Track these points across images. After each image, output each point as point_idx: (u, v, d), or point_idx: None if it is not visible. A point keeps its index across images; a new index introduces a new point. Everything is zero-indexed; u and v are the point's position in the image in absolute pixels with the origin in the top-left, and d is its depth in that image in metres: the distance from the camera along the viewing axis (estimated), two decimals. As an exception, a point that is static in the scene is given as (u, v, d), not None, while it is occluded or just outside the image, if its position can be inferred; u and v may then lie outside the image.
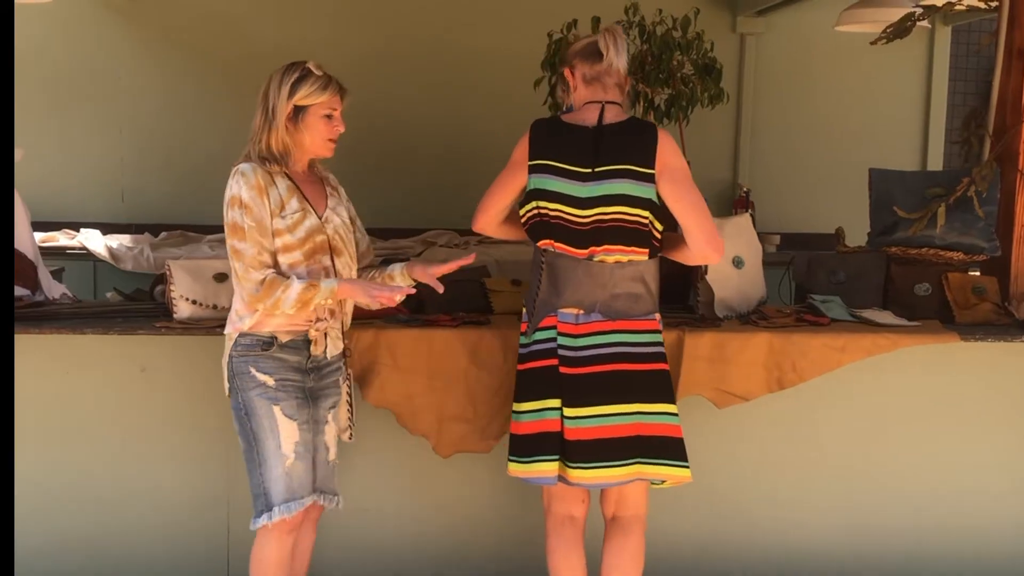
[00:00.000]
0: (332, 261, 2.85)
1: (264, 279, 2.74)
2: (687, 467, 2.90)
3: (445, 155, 6.14)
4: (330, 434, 2.94)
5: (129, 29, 5.99)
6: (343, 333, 2.94)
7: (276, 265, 2.79)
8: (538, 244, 2.92)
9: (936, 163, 6.66)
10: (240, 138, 2.85)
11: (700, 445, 3.21)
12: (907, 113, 6.65)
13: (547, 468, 2.86)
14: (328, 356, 2.89)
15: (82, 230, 5.63)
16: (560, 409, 2.86)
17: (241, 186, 2.76)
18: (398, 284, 2.94)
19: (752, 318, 3.55)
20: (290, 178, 2.84)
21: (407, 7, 6.17)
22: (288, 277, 2.76)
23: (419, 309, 3.47)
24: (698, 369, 3.35)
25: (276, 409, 2.80)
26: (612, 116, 2.88)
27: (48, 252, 5.28)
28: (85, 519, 3.37)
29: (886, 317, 3.60)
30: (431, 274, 2.91)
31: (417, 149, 6.14)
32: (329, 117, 2.83)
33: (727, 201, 6.48)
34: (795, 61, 6.54)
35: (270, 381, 2.81)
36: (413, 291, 2.86)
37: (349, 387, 3.00)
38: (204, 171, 5.73)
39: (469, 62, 6.15)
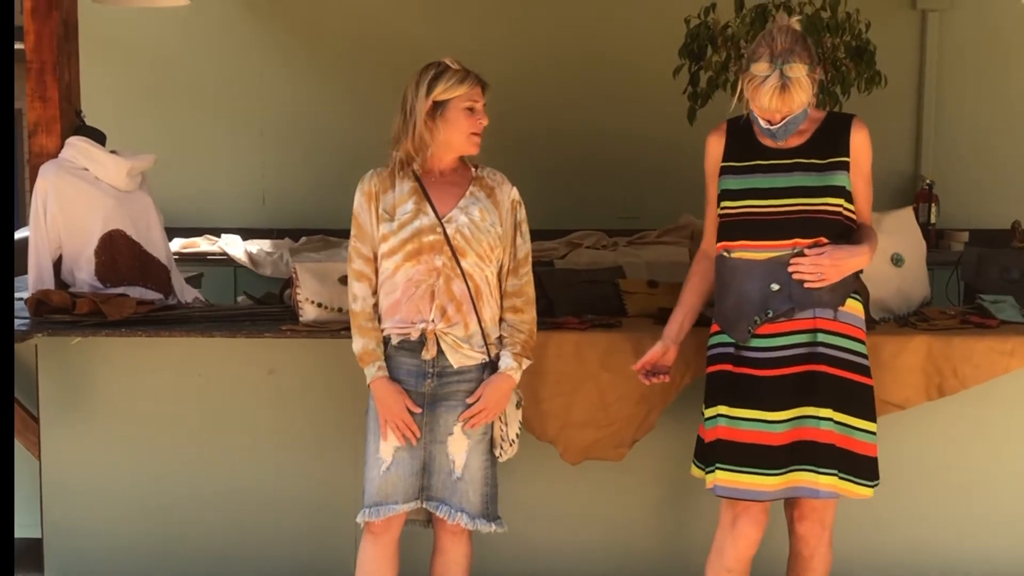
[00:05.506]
0: (456, 261, 2.96)
1: (355, 297, 3.03)
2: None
3: (589, 151, 6.21)
4: (456, 447, 2.99)
5: (268, 30, 6.36)
6: (487, 345, 3.02)
7: (376, 272, 3.02)
8: None
9: None
10: (382, 138, 3.06)
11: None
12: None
13: None
14: (453, 365, 2.99)
15: (223, 235, 6.05)
16: None
17: (357, 193, 3.05)
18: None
19: (911, 320, 3.56)
20: (418, 179, 3.02)
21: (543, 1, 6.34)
22: (370, 326, 3.00)
23: (547, 311, 3.62)
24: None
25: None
26: None
27: (189, 258, 5.71)
28: (212, 518, 3.67)
29: (1065, 319, 3.54)
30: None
31: (560, 146, 6.24)
32: (471, 110, 2.98)
33: (907, 195, 6.35)
34: (985, 39, 6.38)
35: None
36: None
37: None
38: (345, 172, 5.99)
39: (607, 51, 6.24)
